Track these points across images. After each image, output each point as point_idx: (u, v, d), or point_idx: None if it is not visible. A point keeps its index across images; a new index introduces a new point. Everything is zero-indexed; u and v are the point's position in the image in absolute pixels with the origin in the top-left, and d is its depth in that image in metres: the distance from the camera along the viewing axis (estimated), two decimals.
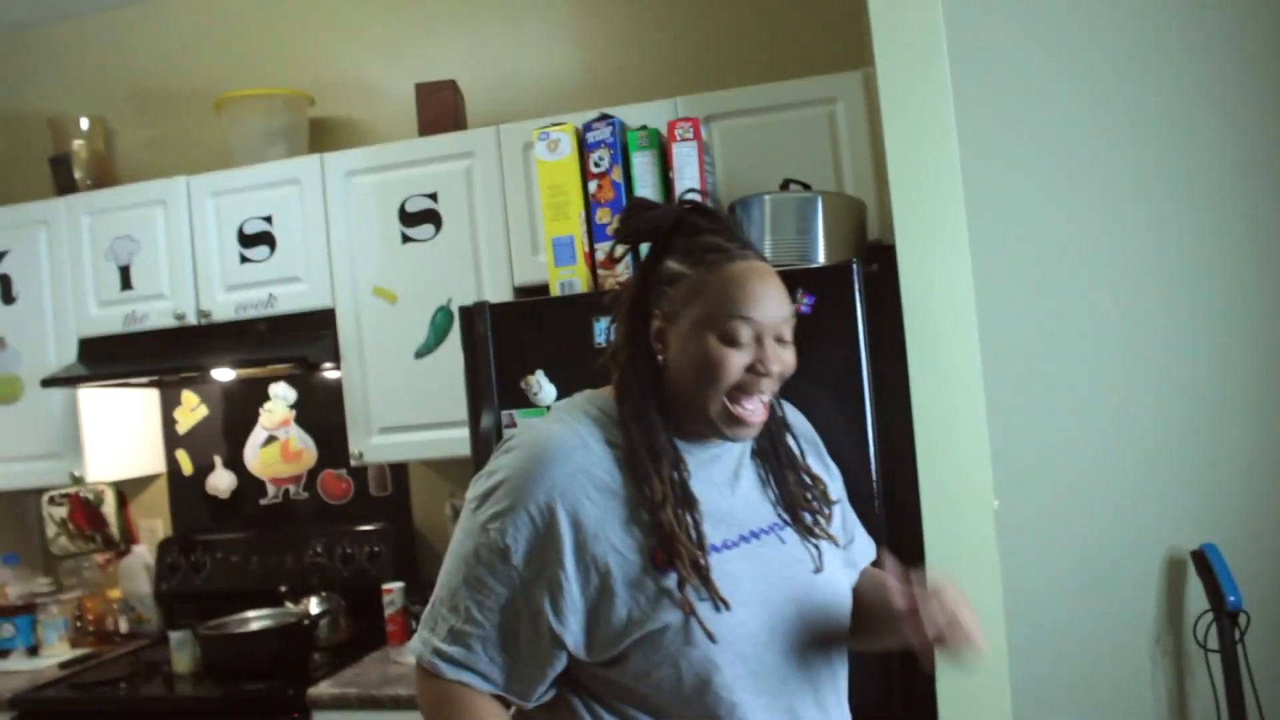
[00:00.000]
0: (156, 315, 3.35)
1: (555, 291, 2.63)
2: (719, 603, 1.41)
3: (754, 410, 1.49)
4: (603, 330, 2.45)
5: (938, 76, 2.39)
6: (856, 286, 2.32)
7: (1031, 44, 2.80)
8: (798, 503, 1.59)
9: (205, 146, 3.67)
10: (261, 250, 3.27)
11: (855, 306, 2.31)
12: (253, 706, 2.90)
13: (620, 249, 1.60)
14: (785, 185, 2.68)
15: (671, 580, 1.41)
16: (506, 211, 3.04)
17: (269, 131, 3.42)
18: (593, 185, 2.63)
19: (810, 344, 2.33)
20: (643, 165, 2.60)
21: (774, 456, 1.61)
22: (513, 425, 2.51)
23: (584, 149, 2.65)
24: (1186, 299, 2.72)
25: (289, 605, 3.28)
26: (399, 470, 3.55)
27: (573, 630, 1.42)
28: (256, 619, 3.22)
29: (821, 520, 1.60)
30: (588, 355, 2.46)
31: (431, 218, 3.12)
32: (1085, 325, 2.77)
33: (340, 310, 3.19)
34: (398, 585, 3.23)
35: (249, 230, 3.28)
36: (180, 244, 3.33)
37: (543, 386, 2.47)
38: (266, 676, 2.98)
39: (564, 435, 1.48)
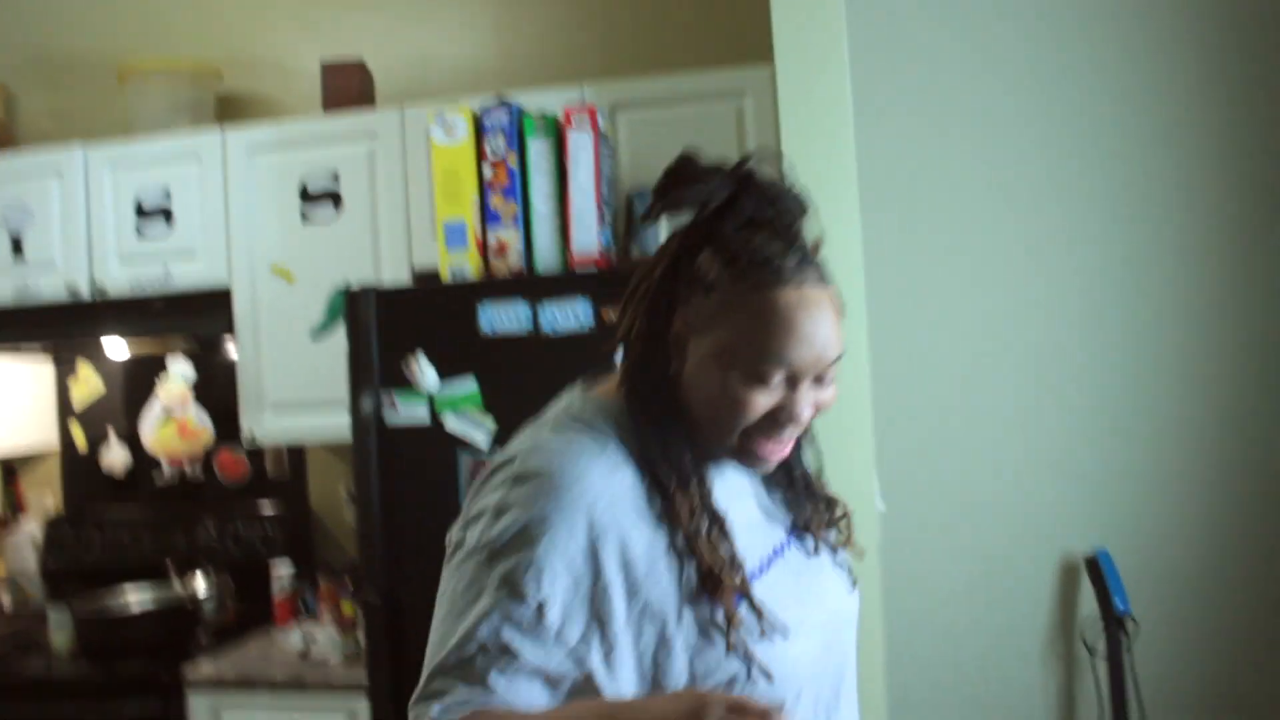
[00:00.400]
0: (49, 287, 3.26)
1: (445, 277, 2.59)
2: (776, 632, 1.21)
3: (773, 450, 1.25)
4: (487, 317, 2.42)
5: (837, 74, 2.38)
6: None
7: (939, 45, 2.80)
8: (816, 519, 1.38)
9: (111, 117, 3.58)
10: (159, 225, 3.19)
11: None
12: (127, 686, 2.84)
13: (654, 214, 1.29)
14: None
15: (720, 616, 1.19)
16: (408, 194, 2.99)
17: (174, 104, 3.34)
18: (488, 170, 2.59)
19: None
20: (538, 152, 2.56)
21: (783, 468, 1.36)
22: (394, 410, 2.47)
23: (481, 134, 2.61)
24: (1085, 308, 2.73)
25: (175, 585, 3.21)
26: (296, 453, 3.50)
27: (624, 693, 1.17)
28: (137, 598, 3.16)
29: (845, 535, 1.40)
30: (472, 342, 2.44)
31: (332, 198, 3.06)
32: (982, 330, 2.78)
33: (237, 288, 3.13)
34: (286, 565, 3.18)
35: (147, 204, 3.21)
36: (75, 215, 3.25)
37: (424, 371, 2.43)
38: (145, 656, 2.93)
39: (591, 455, 1.21)
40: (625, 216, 2.67)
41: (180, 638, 3.05)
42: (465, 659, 1.13)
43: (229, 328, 3.12)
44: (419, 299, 2.51)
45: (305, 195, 3.08)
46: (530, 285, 2.44)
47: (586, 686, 1.16)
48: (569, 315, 2.37)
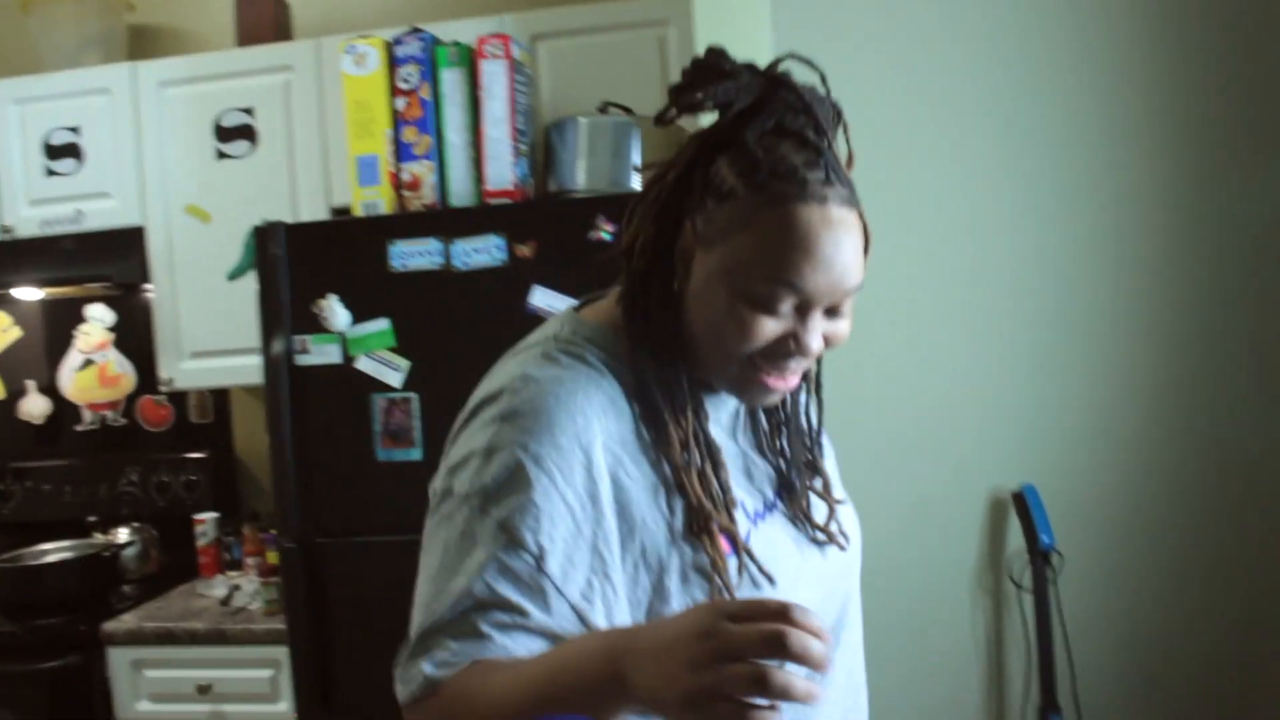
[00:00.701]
0: None
1: (358, 212, 2.52)
2: (765, 581, 1.12)
3: (777, 382, 1.13)
4: (398, 254, 2.35)
5: (756, 2, 2.31)
6: None
7: None
8: (804, 476, 1.25)
9: (16, 50, 3.44)
10: (68, 163, 3.08)
11: None
12: (45, 642, 2.78)
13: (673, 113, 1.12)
14: (604, 108, 2.58)
15: (705, 560, 1.09)
16: (325, 129, 2.90)
17: (82, 37, 3.21)
18: (400, 102, 2.50)
19: (612, 276, 2.25)
20: (451, 83, 2.48)
21: (779, 413, 1.25)
22: (305, 351, 2.40)
23: (393, 64, 2.52)
24: (1013, 244, 2.68)
25: (97, 536, 3.14)
26: (220, 397, 3.41)
27: None
28: (55, 551, 3.08)
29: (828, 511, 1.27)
30: (383, 280, 2.37)
31: (247, 134, 2.96)
32: (909, 266, 2.72)
33: (151, 229, 3.03)
34: (211, 516, 3.12)
35: (55, 141, 3.09)
36: None
37: (335, 311, 2.36)
38: (65, 610, 2.86)
39: (586, 389, 1.10)
40: (544, 148, 2.59)
41: (102, 591, 2.99)
42: (459, 615, 1.01)
43: (144, 269, 3.03)
44: (330, 235, 2.43)
45: (219, 131, 2.98)
46: (442, 220, 2.37)
47: None
48: (482, 250, 2.30)
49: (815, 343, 1.09)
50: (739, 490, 1.15)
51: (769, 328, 1.07)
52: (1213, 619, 2.63)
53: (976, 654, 2.75)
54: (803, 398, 1.26)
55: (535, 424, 1.05)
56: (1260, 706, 2.63)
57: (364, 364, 2.38)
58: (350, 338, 2.38)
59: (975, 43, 2.66)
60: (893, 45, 2.68)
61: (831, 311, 1.10)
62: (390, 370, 2.36)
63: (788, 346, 1.08)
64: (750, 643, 0.82)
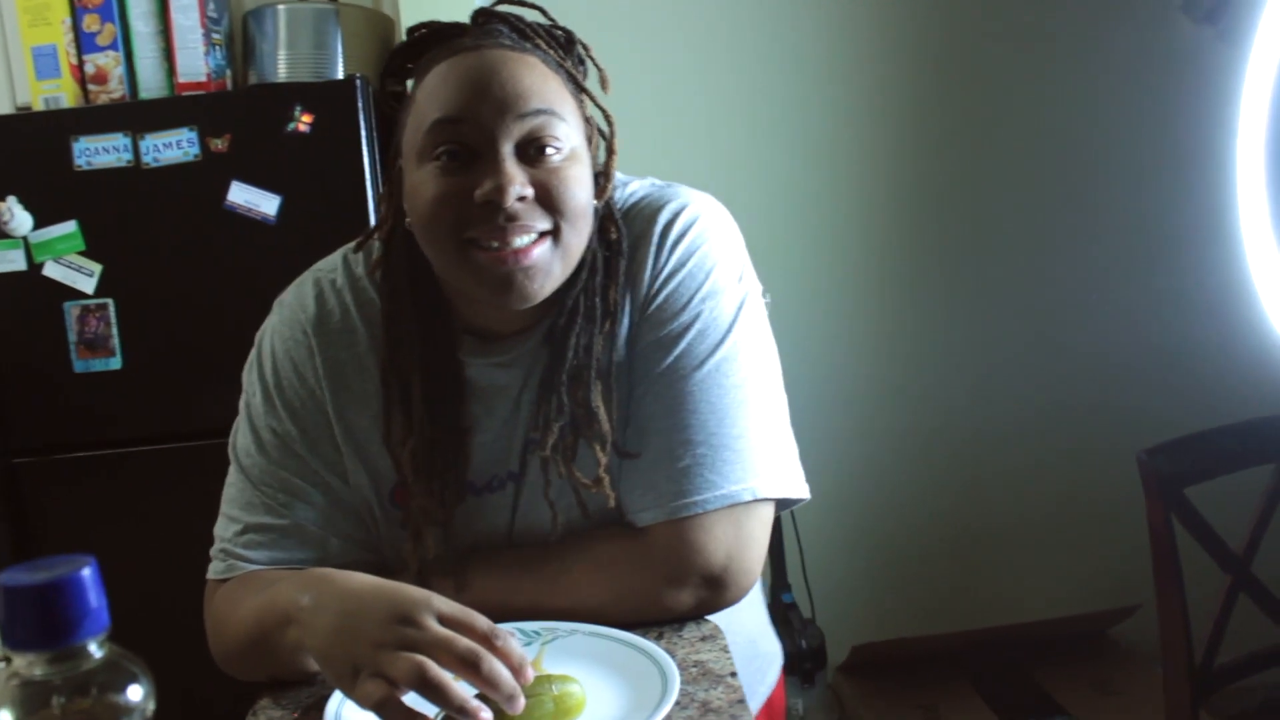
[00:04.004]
0: None
1: (38, 108, 2.34)
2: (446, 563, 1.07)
3: (503, 251, 0.98)
4: (82, 151, 2.19)
5: None
6: (361, 105, 2.16)
7: None
8: (560, 438, 1.07)
9: None
10: None
11: (359, 127, 2.16)
12: None
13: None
14: None
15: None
16: (2, 19, 2.66)
17: None
18: None
19: (311, 169, 2.17)
20: None
21: (555, 372, 1.07)
22: None
23: None
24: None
25: None
26: None
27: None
28: None
29: (562, 461, 1.07)
30: (67, 180, 2.21)
31: None
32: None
33: None
34: None
35: None
36: None
37: (15, 214, 2.20)
38: None
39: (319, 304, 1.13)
40: (243, 38, 2.46)
41: None
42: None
43: None
44: (3, 132, 2.25)
45: None
46: (129, 114, 2.21)
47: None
48: (173, 145, 2.18)
49: (512, 189, 0.96)
50: (484, 460, 1.09)
51: (445, 184, 0.98)
52: (926, 496, 2.79)
53: None
54: (596, 333, 1.07)
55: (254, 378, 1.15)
56: (967, 564, 2.82)
57: (52, 270, 2.22)
58: (34, 243, 2.22)
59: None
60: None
61: (530, 152, 0.99)
62: (81, 275, 2.22)
63: (488, 199, 0.96)
64: (444, 649, 0.81)
